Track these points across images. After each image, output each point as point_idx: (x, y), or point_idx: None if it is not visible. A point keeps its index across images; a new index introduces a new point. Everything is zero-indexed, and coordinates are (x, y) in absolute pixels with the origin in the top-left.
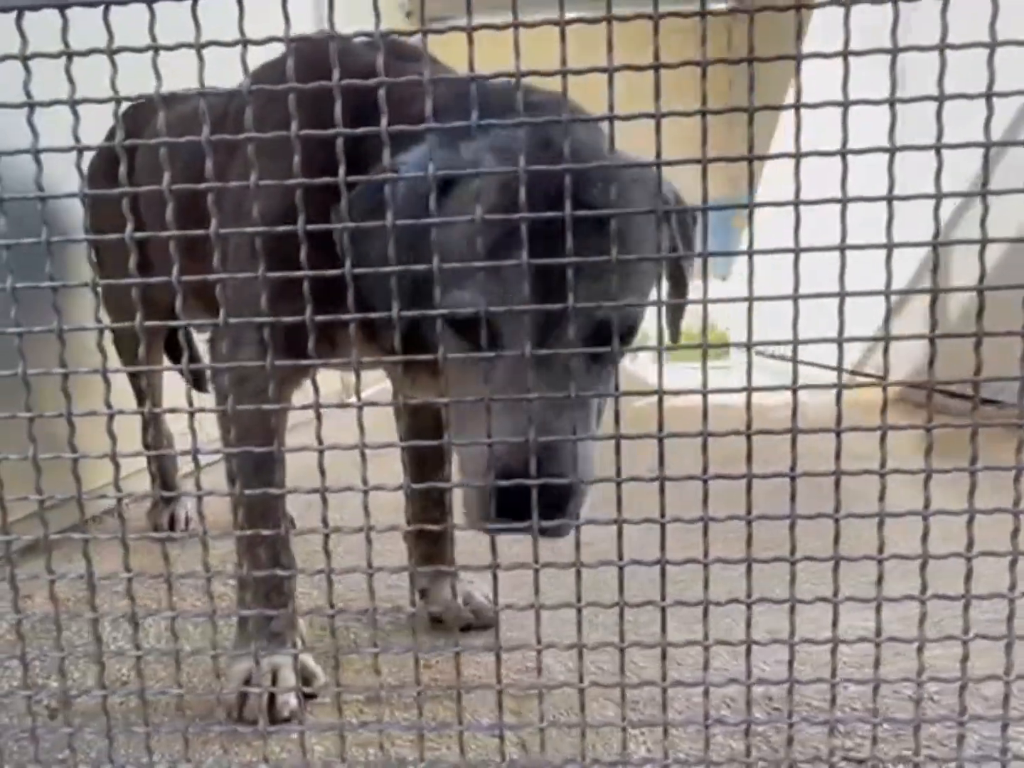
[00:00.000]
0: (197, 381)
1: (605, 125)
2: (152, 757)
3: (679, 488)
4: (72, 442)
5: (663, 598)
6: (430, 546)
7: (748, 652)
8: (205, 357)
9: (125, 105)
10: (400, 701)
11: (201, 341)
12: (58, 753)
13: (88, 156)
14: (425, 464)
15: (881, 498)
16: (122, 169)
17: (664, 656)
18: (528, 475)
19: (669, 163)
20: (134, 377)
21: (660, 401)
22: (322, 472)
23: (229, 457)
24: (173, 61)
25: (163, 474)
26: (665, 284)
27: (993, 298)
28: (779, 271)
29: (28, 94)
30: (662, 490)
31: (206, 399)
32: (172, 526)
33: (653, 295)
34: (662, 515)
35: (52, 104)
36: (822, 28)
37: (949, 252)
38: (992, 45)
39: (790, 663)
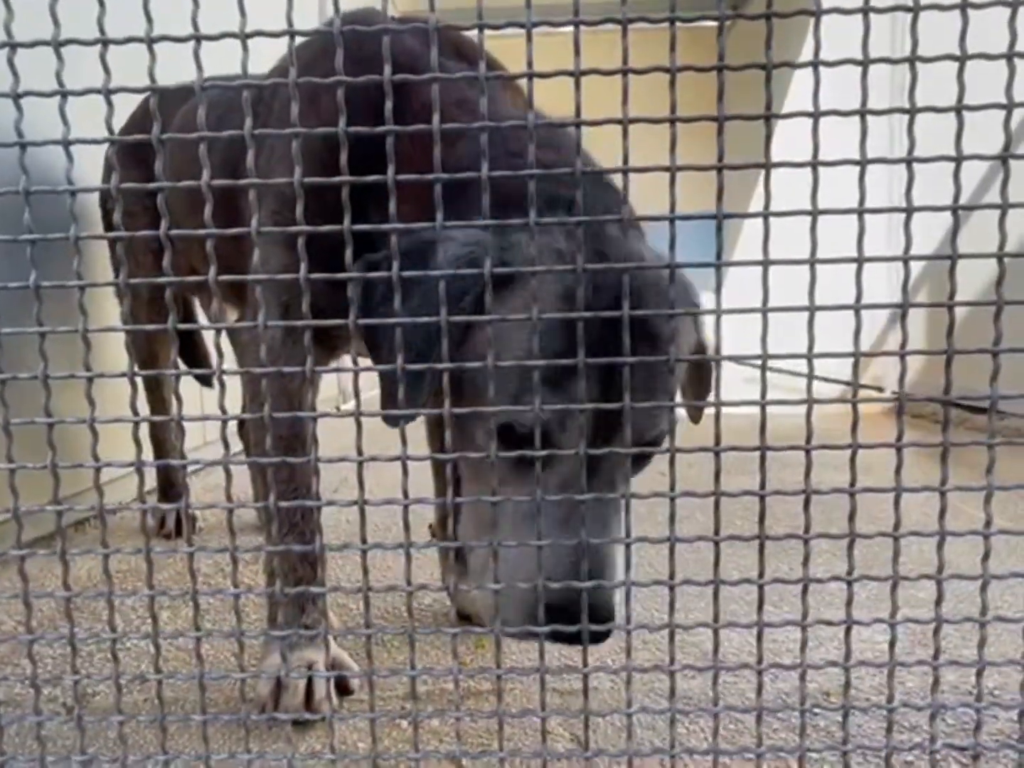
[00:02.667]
0: (201, 376)
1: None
2: (210, 746)
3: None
4: (52, 444)
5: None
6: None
7: (848, 632)
8: (212, 353)
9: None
10: (441, 696)
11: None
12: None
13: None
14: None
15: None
16: (158, 165)
17: (760, 637)
18: (576, 583)
19: (637, 169)
20: (145, 370)
21: (718, 414)
22: (361, 485)
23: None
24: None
25: (168, 472)
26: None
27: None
28: (773, 287)
29: (60, 83)
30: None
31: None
32: (179, 525)
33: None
34: (716, 532)
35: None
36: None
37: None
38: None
39: (891, 644)
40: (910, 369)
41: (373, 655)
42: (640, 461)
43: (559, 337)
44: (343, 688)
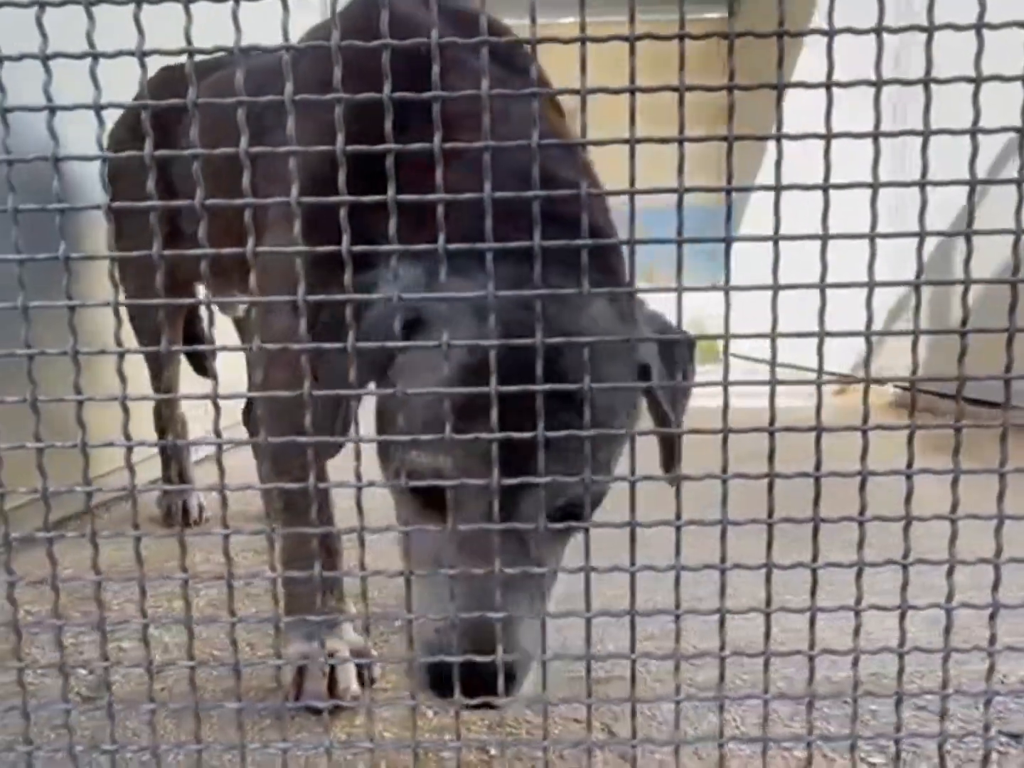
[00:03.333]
0: (199, 366)
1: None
2: (246, 738)
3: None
4: (82, 421)
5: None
6: None
7: (903, 617)
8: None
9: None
10: None
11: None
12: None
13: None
14: None
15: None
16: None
17: (814, 622)
18: (466, 652)
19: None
20: (152, 359)
21: (726, 395)
22: (360, 510)
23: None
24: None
25: (174, 463)
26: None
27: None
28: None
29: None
30: (770, 488)
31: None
32: (185, 514)
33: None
34: (770, 514)
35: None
36: (822, 45)
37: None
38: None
39: (947, 630)
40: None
41: (396, 642)
42: (564, 528)
43: (458, 397)
44: (362, 678)
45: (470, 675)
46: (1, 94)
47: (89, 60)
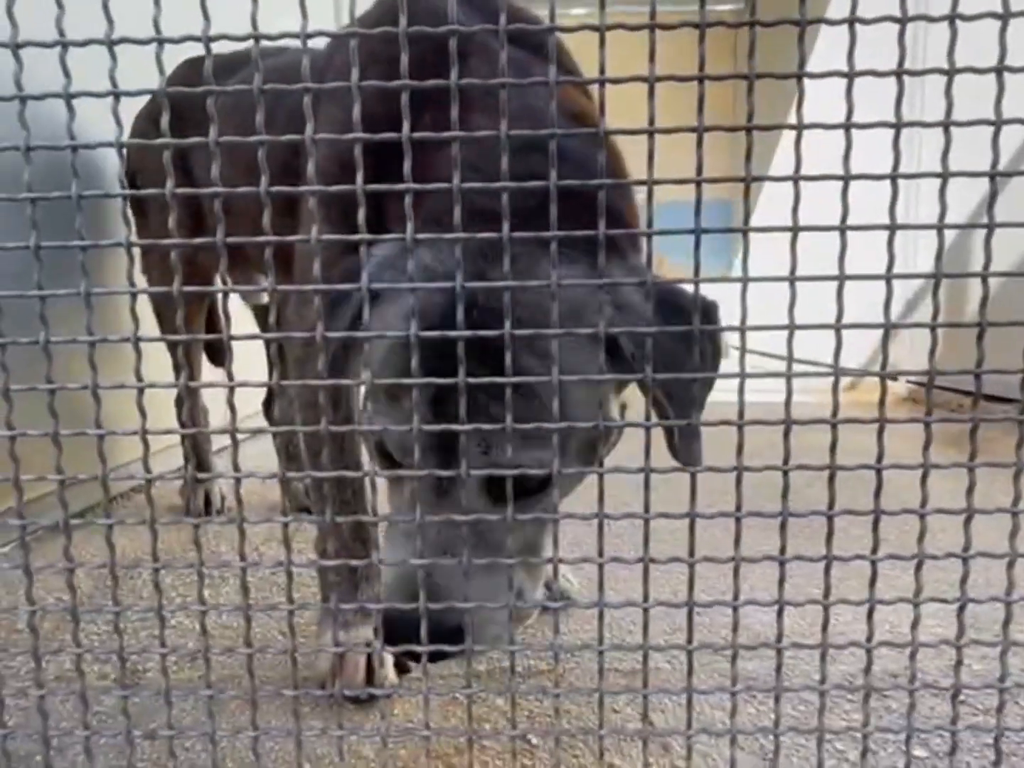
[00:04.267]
0: (214, 355)
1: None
2: (301, 724)
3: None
4: (98, 418)
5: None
6: None
7: (962, 610)
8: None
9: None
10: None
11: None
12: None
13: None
14: None
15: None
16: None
17: (871, 615)
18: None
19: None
20: (173, 348)
21: (742, 383)
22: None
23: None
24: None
25: (197, 451)
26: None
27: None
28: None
29: (61, 32)
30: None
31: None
32: (207, 505)
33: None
34: (738, 508)
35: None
36: (836, 33)
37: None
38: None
39: (1006, 623)
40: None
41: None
42: (521, 497)
43: (398, 357)
44: (400, 667)
45: (393, 625)
46: (66, 80)
47: (155, 46)
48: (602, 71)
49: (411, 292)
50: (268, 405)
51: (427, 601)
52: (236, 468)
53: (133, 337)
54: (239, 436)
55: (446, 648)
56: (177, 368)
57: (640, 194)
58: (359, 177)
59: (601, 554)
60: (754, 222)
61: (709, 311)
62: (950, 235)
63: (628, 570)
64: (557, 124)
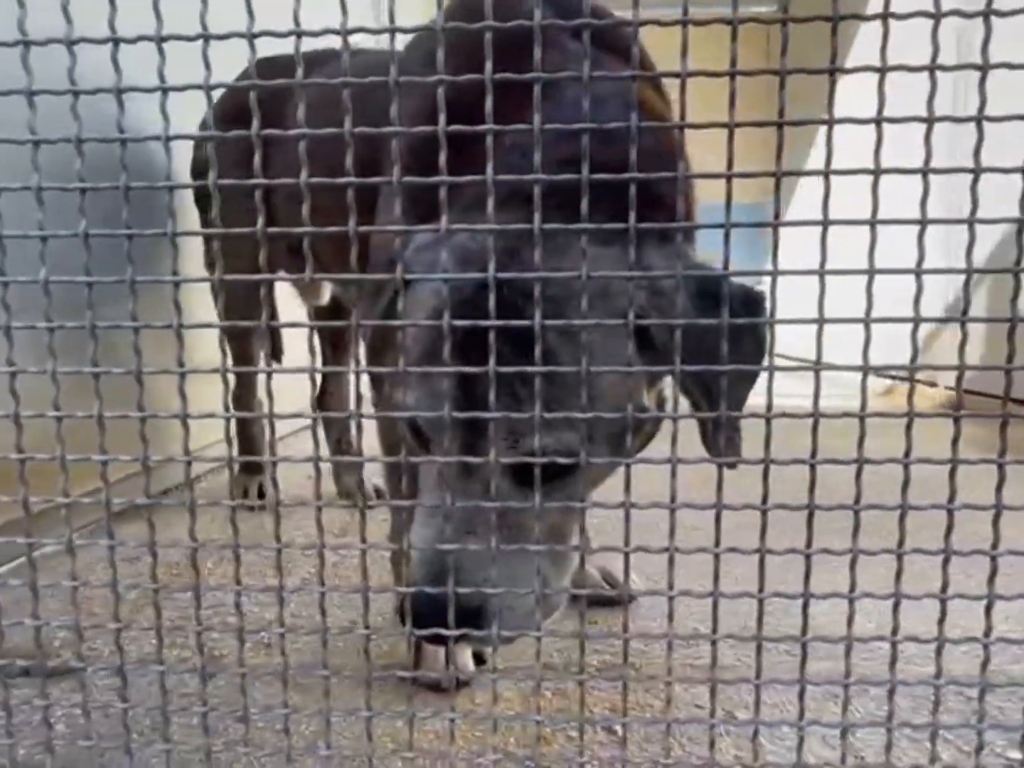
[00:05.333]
0: (276, 353)
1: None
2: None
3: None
4: (183, 392)
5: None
6: None
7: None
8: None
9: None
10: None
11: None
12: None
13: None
14: None
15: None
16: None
17: (944, 611)
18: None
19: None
20: (232, 341)
21: (771, 376)
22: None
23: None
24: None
25: (251, 445)
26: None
27: None
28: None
29: (112, 29)
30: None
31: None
32: (261, 496)
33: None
34: (763, 500)
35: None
36: (874, 33)
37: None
38: None
39: None
40: (972, 363)
41: None
42: (549, 480)
43: (428, 339)
44: (477, 657)
45: (419, 607)
46: (116, 75)
47: (201, 42)
48: (635, 68)
49: (443, 272)
50: (320, 401)
51: (450, 584)
52: (273, 451)
53: (176, 324)
54: (291, 425)
55: (472, 632)
56: (240, 383)
57: None
58: (442, 157)
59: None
60: (787, 242)
61: (754, 302)
62: (996, 234)
63: (744, 563)
64: (618, 113)
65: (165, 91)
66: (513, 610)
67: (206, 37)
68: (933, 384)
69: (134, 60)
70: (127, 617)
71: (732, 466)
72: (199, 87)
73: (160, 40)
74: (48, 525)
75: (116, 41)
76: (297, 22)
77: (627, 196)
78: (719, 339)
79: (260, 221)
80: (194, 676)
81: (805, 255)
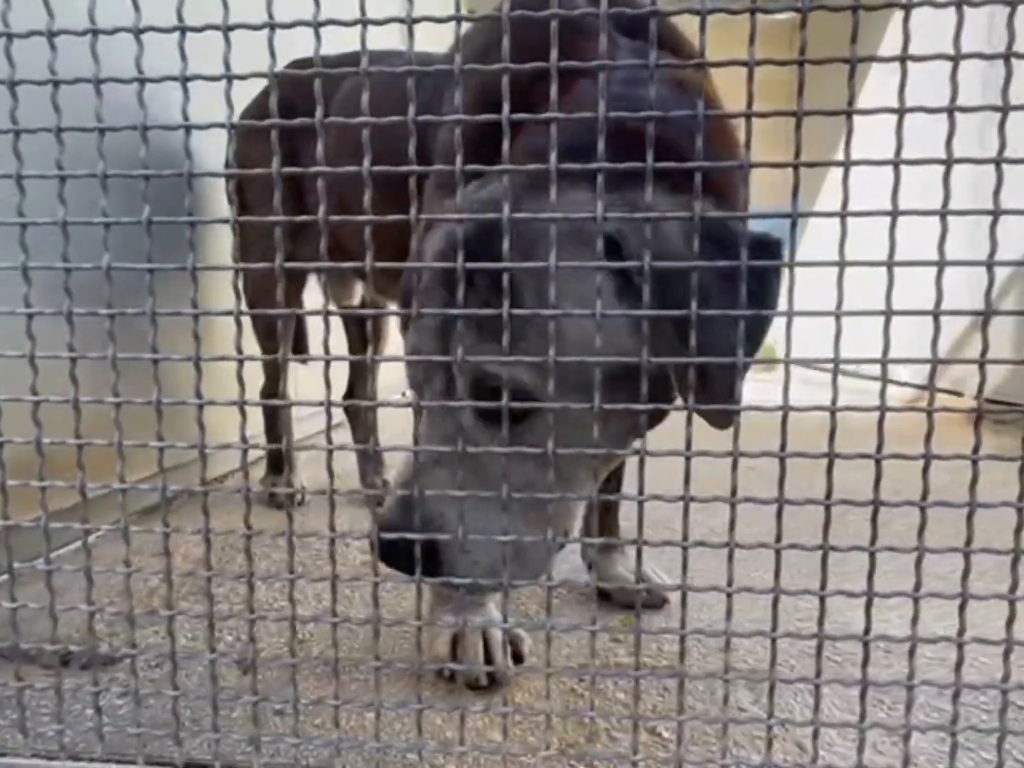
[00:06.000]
0: (300, 348)
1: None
2: (419, 716)
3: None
4: (198, 389)
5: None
6: (603, 515)
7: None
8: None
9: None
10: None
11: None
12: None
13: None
14: None
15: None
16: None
17: (963, 607)
18: (395, 526)
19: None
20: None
21: (787, 374)
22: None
23: None
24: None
25: (278, 441)
26: None
27: None
28: (828, 284)
29: (180, 18)
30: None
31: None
32: (288, 497)
33: None
34: (828, 495)
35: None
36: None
37: None
38: None
39: None
40: (994, 372)
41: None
42: (517, 422)
43: (427, 279)
44: (516, 655)
45: (383, 546)
46: (182, 64)
47: (267, 31)
48: (702, 54)
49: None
50: (350, 397)
51: (414, 520)
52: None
53: (236, 311)
54: (317, 425)
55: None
56: (269, 378)
57: None
58: (505, 144)
59: (778, 539)
60: (801, 259)
61: (766, 248)
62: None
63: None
64: (660, 90)
65: (230, 79)
66: (475, 555)
67: (272, 26)
68: (960, 393)
69: (199, 49)
70: (162, 607)
71: (725, 425)
72: (263, 75)
73: (227, 29)
74: (92, 513)
75: (183, 30)
76: (363, 11)
77: (661, 158)
78: (722, 285)
79: (322, 210)
80: (231, 669)
81: (822, 272)
